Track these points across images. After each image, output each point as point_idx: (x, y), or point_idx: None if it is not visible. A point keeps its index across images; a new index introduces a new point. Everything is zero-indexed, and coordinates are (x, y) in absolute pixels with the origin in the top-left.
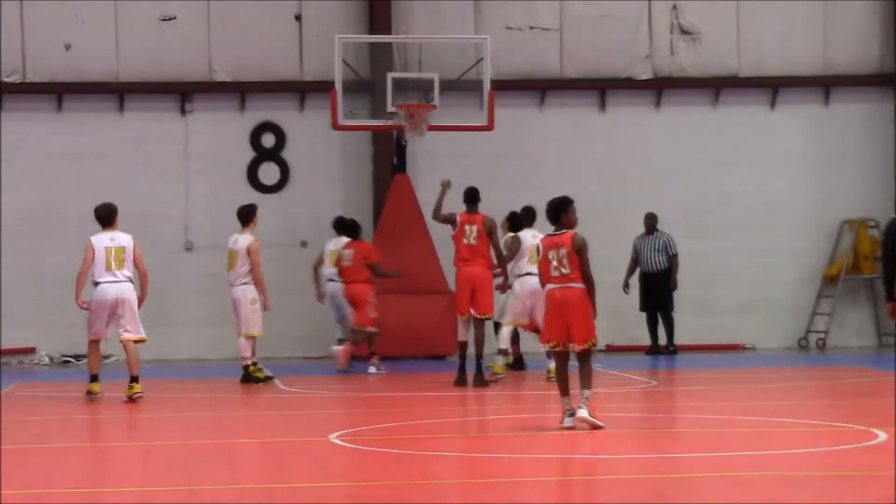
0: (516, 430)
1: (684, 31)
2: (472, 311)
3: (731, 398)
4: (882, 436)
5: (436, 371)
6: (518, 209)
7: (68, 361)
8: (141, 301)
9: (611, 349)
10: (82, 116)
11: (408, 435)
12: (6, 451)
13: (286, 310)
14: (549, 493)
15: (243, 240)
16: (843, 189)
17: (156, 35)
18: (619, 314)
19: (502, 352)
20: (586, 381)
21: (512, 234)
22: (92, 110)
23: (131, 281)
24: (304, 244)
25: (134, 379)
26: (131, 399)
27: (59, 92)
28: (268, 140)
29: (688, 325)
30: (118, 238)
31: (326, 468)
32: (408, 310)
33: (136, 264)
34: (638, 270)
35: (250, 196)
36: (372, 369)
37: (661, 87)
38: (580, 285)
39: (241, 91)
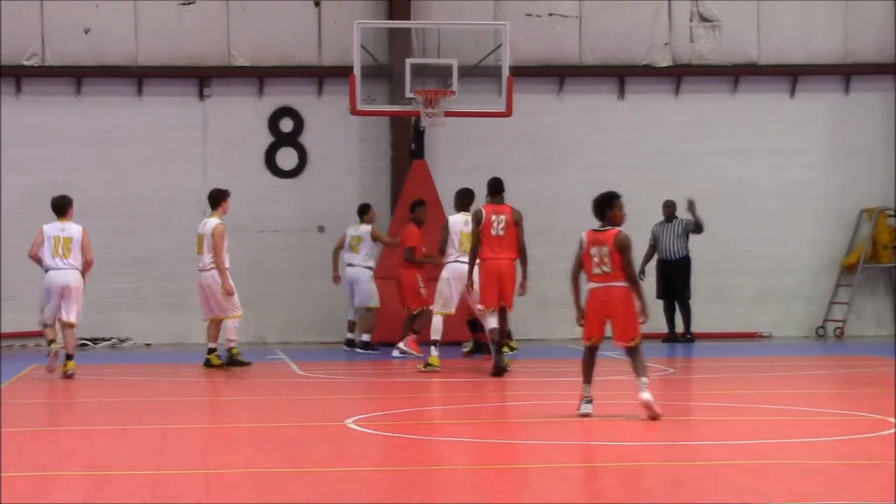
0: (532, 416)
1: (704, 19)
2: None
3: (747, 386)
4: None
5: (451, 357)
6: (535, 195)
7: (85, 345)
8: None
9: None
10: (101, 100)
11: (424, 420)
12: (19, 434)
13: (303, 295)
14: (565, 479)
15: (210, 223)
16: (861, 178)
17: (175, 19)
18: None
19: (434, 342)
20: (642, 370)
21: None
22: (111, 94)
23: (77, 269)
24: (321, 229)
25: (69, 357)
26: (67, 376)
27: (78, 76)
28: (286, 125)
29: (704, 313)
30: (68, 229)
31: (342, 453)
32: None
33: (83, 253)
34: (656, 258)
35: (268, 181)
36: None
37: (680, 74)
38: (623, 284)
39: (259, 76)
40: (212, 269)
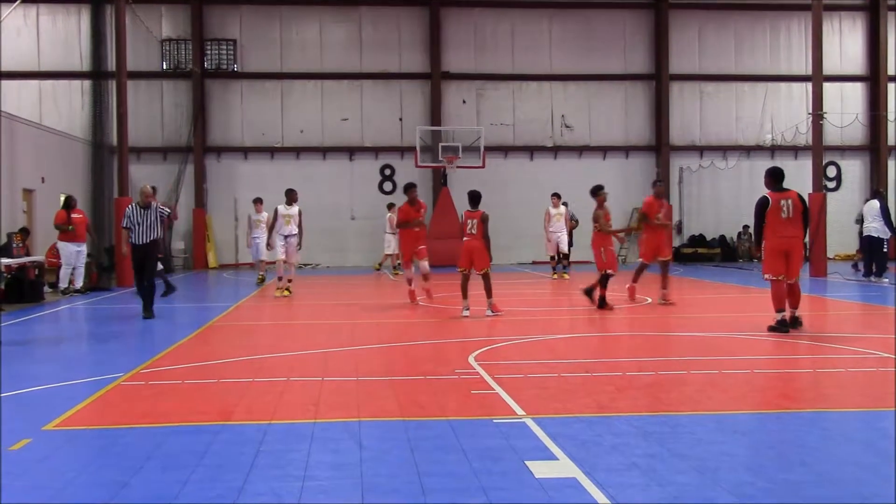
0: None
1: (566, 125)
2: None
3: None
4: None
5: (446, 272)
6: (490, 210)
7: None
8: None
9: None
10: None
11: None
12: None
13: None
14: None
15: None
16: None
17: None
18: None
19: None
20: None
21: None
22: None
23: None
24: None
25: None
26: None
27: None
28: (388, 171)
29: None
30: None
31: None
32: (445, 248)
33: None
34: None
35: (379, 195)
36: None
37: (557, 149)
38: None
39: (376, 151)
40: None
